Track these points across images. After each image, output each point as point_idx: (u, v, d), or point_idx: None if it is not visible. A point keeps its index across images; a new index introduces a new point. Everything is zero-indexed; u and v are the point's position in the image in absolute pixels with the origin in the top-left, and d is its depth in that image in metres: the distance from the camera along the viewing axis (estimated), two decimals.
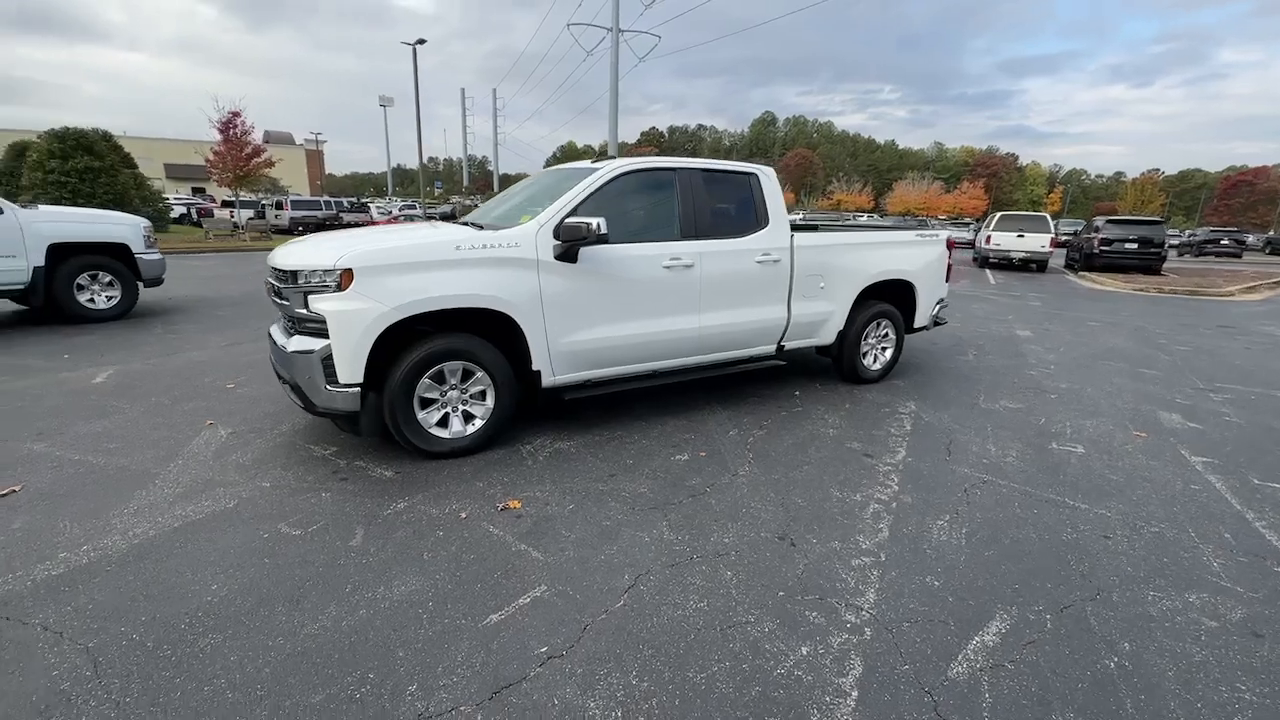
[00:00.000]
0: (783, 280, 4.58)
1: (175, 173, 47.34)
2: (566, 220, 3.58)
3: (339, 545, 2.64)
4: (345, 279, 3.15)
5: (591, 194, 3.84)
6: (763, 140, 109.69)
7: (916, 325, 5.59)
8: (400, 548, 2.64)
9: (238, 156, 22.14)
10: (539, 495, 3.16)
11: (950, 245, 5.72)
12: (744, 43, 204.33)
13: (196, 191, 44.26)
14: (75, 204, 16.61)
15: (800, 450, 3.84)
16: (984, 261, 18.95)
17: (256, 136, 23.44)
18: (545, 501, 3.09)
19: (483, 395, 3.62)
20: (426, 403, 3.48)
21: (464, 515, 2.92)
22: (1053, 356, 6.75)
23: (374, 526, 2.80)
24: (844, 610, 2.31)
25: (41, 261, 6.72)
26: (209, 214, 27.56)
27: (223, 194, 32.19)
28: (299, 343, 3.27)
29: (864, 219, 30.82)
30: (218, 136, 22.33)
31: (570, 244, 3.56)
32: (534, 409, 4.32)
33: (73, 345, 6.08)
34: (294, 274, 3.23)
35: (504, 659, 2.01)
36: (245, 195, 27.21)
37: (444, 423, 3.54)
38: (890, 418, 4.50)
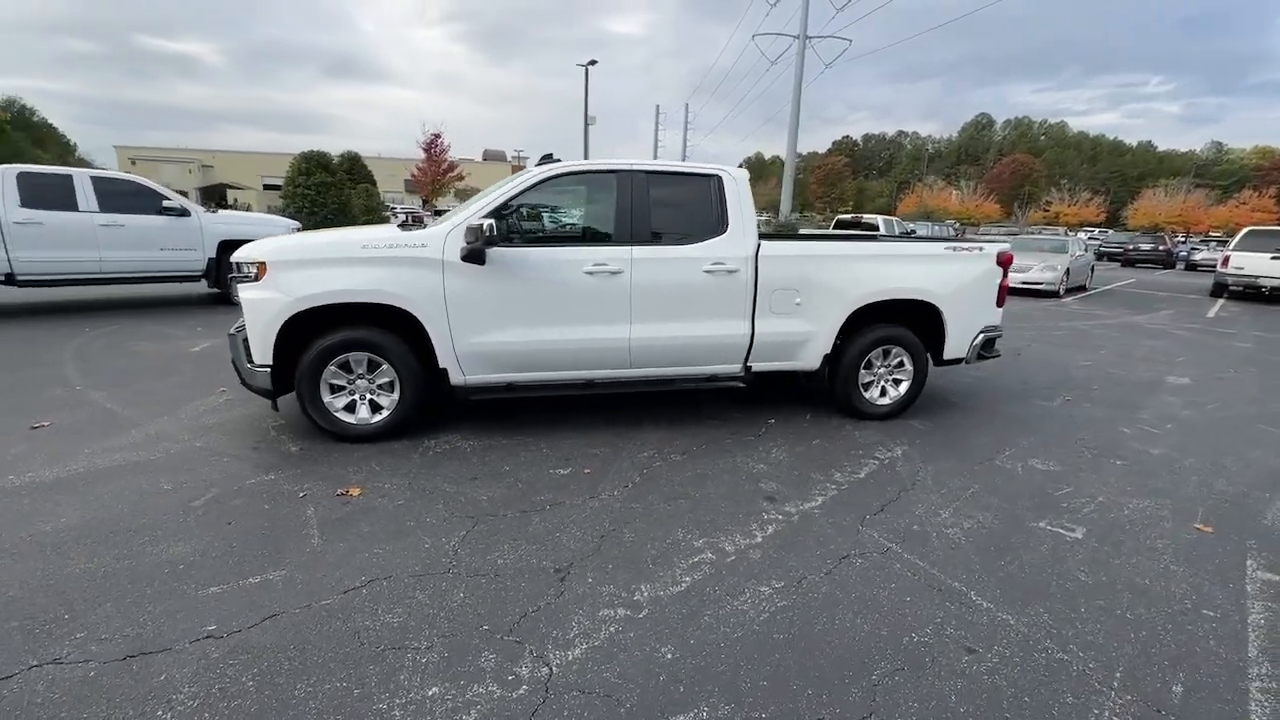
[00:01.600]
0: (742, 293, 4.10)
1: (411, 187, 56.57)
2: (470, 223, 3.62)
3: (183, 504, 2.99)
4: (260, 270, 3.55)
5: (515, 196, 3.83)
6: (974, 146, 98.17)
7: (948, 357, 4.61)
8: (217, 514, 2.90)
9: (435, 172, 25.79)
10: (386, 487, 3.24)
11: (1006, 261, 4.63)
12: (967, 38, 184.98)
13: (425, 203, 52.40)
14: (311, 213, 20.69)
15: (698, 483, 3.41)
16: (1221, 289, 14.86)
17: (455, 154, 27.13)
18: (384, 494, 3.16)
19: (391, 387, 3.81)
20: (338, 389, 3.77)
21: (302, 495, 3.12)
22: (1187, 414, 5.09)
23: (224, 493, 3.11)
24: (527, 661, 2.02)
25: (214, 254, 8.56)
26: (419, 220, 32.44)
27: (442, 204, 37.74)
28: (236, 325, 3.76)
29: (921, 229, 25.63)
30: (422, 155, 26.26)
31: (470, 246, 3.59)
32: (473, 406, 4.42)
33: (221, 322, 7.63)
34: (236, 265, 3.72)
35: (159, 629, 2.10)
36: (446, 204, 31.53)
37: (352, 408, 3.81)
38: (854, 460, 3.78)
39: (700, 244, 4.05)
